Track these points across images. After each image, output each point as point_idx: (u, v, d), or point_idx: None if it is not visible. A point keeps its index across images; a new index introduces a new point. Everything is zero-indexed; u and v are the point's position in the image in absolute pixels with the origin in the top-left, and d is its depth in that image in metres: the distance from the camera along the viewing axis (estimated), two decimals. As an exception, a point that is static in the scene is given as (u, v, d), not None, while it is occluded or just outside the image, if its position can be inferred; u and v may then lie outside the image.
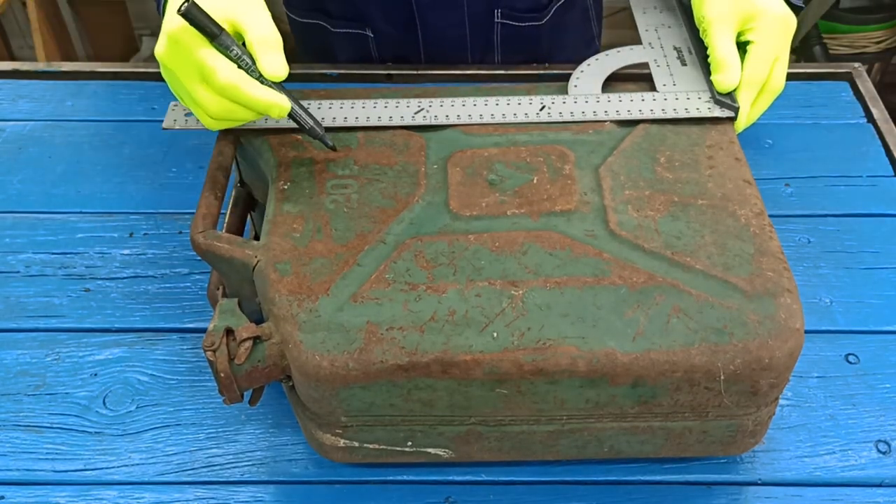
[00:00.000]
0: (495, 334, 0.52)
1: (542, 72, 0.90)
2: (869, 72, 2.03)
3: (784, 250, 0.56)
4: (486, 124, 0.65)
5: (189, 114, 0.66)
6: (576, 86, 0.69)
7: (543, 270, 0.55)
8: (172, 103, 0.67)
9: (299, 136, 0.64)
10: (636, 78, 0.70)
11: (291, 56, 1.08)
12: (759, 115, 0.67)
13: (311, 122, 0.61)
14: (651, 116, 0.65)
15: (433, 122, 0.65)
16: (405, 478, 0.62)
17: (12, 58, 1.96)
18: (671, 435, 0.57)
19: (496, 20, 0.89)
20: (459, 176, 0.61)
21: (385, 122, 0.65)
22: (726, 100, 0.65)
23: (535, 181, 0.61)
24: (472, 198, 0.60)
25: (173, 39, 0.56)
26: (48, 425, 0.64)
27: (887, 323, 0.70)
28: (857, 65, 0.94)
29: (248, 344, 0.53)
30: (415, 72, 0.91)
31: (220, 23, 0.57)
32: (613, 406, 0.54)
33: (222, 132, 0.65)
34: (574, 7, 0.95)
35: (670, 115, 0.65)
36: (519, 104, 0.67)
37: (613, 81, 0.70)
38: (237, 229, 0.66)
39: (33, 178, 0.83)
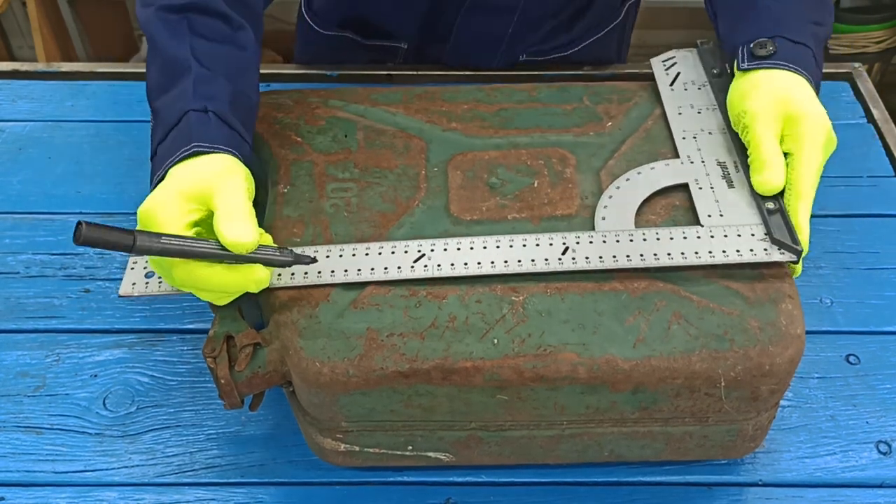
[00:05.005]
0: (496, 341, 0.52)
1: (542, 72, 0.90)
2: (869, 72, 2.02)
3: (784, 254, 0.56)
4: (488, 130, 0.65)
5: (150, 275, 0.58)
6: (604, 218, 0.58)
7: (543, 276, 0.55)
8: (132, 259, 0.58)
9: (299, 139, 0.64)
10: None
11: (289, 57, 1.07)
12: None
13: (277, 257, 0.53)
14: (697, 262, 0.55)
15: (435, 275, 0.55)
16: (405, 479, 0.62)
17: (12, 58, 1.95)
18: (671, 439, 0.57)
19: (521, 59, 0.91)
20: (460, 179, 0.61)
21: (388, 275, 0.55)
22: (785, 239, 0.55)
23: (535, 185, 0.61)
24: (473, 202, 0.60)
25: (143, 216, 0.51)
26: (48, 426, 0.64)
27: (888, 323, 0.70)
28: (857, 65, 0.93)
29: (249, 350, 0.53)
30: (415, 72, 0.90)
31: (193, 198, 0.51)
32: (614, 412, 0.54)
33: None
34: (609, 42, 0.95)
35: (719, 259, 0.55)
36: (537, 245, 0.56)
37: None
38: (237, 232, 0.65)
39: (33, 178, 0.83)
